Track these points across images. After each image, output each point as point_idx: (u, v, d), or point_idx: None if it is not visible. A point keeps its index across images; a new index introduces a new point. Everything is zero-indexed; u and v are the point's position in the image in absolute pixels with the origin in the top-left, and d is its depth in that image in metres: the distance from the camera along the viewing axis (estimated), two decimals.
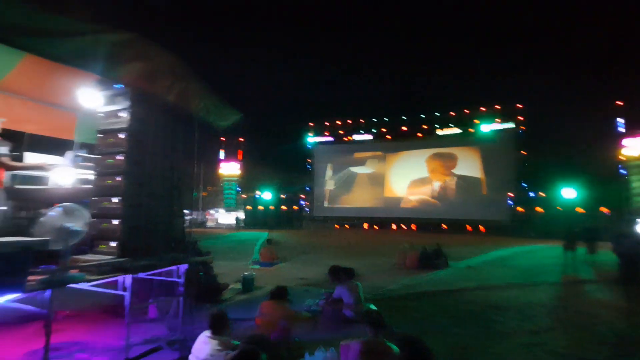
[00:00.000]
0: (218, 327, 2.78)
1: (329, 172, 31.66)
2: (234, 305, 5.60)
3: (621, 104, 21.02)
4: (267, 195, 32.16)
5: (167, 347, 3.75)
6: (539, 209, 22.54)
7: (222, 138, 35.39)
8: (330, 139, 32.47)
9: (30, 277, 2.61)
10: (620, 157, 20.48)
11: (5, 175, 4.06)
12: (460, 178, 26.98)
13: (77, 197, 3.69)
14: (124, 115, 3.64)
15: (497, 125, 26.47)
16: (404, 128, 30.52)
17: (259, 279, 7.23)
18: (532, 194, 23.80)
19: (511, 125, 25.71)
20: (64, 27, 2.91)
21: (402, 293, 6.79)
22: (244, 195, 36.33)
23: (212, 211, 36.05)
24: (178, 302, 4.02)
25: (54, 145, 5.10)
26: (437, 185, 27.65)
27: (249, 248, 13.18)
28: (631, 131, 20.10)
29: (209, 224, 32.99)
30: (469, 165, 26.98)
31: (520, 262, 11.40)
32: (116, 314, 4.80)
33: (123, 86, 3.68)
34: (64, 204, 3.03)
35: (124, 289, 3.40)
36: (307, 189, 32.58)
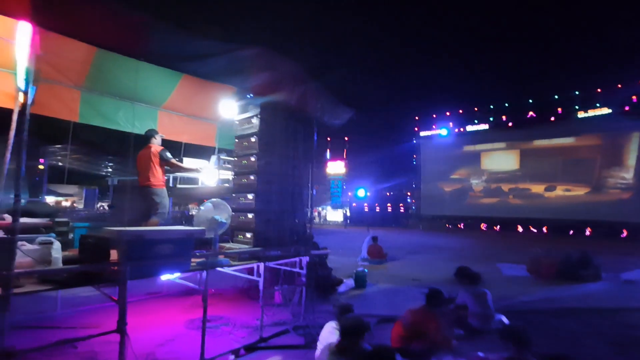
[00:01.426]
0: None
1: (436, 168, 29.65)
2: (348, 300, 5.74)
3: None
4: (371, 192, 32.15)
5: (293, 332, 4.08)
6: None
7: (327, 138, 36.93)
8: (440, 132, 30.29)
9: (192, 260, 3.17)
10: None
11: (168, 177, 5.07)
12: (612, 170, 21.69)
13: (220, 194, 4.34)
14: (255, 121, 4.09)
15: None
16: (532, 113, 26.16)
17: (370, 276, 7.24)
18: None
19: None
20: (209, 49, 3.43)
21: (540, 307, 5.82)
22: (349, 193, 37.19)
23: (319, 208, 38.07)
24: (301, 291, 4.34)
25: (202, 152, 6.14)
26: (580, 178, 22.82)
27: (356, 245, 13.42)
28: None
29: (316, 220, 34.95)
30: (624, 153, 21.47)
31: None
32: (248, 295, 5.50)
33: (253, 95, 4.15)
34: (213, 199, 3.59)
35: (258, 275, 3.84)
36: (414, 186, 31.22)
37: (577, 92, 23.97)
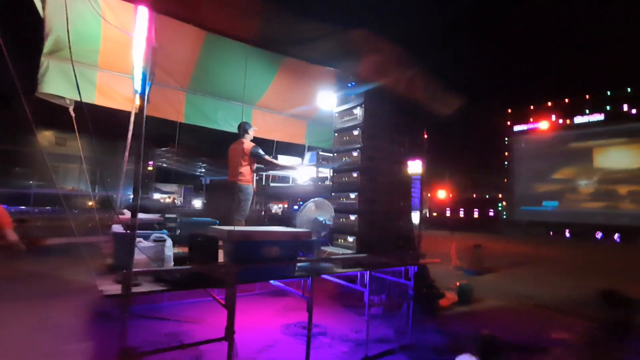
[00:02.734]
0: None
1: (534, 167, 25.97)
2: (454, 317, 4.97)
3: None
4: (454, 194, 29.66)
5: (400, 352, 3.55)
6: None
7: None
8: (538, 126, 26.44)
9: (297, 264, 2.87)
10: None
11: (260, 176, 4.96)
12: None
13: (315, 193, 4.03)
14: (358, 111, 3.67)
15: None
16: None
17: None
18: None
19: None
20: (313, 31, 3.11)
21: None
22: (428, 194, 34.99)
23: None
24: (408, 305, 3.78)
25: (292, 150, 6.00)
26: None
27: (440, 250, 12.21)
28: None
29: None
30: None
31: None
32: (340, 302, 5.13)
33: (355, 84, 3.74)
34: (315, 198, 3.28)
35: (363, 285, 3.41)
36: (506, 187, 27.85)
37: None
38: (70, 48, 2.66)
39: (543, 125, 25.74)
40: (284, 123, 5.75)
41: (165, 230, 3.02)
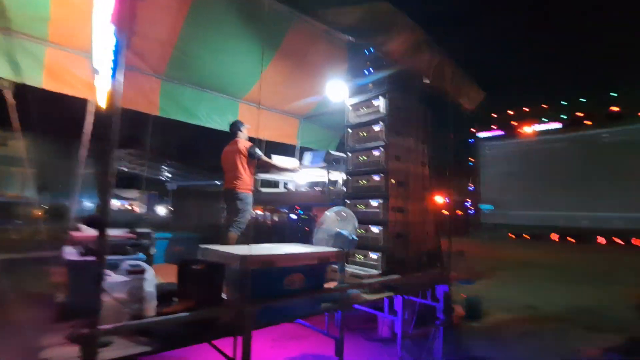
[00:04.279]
0: None
1: (498, 171, 27.02)
2: (478, 338, 4.42)
3: None
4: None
5: None
6: None
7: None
8: (499, 132, 27.68)
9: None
10: None
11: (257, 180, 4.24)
12: None
13: (321, 200, 3.38)
14: (380, 102, 3.09)
15: None
16: (615, 108, 22.87)
17: None
18: None
19: None
20: None
21: None
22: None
23: None
24: (436, 332, 3.22)
25: (281, 151, 5.31)
26: None
27: None
28: None
29: None
30: None
31: None
32: (348, 327, 4.46)
33: (374, 70, 3.16)
34: (335, 207, 2.63)
35: (393, 312, 2.79)
36: (471, 189, 28.70)
37: None
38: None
39: (502, 131, 26.95)
40: (275, 120, 5.05)
41: (141, 254, 2.23)
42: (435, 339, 3.18)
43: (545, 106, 25.90)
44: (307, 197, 3.76)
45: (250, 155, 3.75)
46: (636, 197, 20.34)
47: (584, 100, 24.40)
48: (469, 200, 29.02)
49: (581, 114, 24.20)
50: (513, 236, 25.23)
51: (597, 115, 23.40)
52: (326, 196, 3.32)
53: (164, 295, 1.90)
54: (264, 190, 4.47)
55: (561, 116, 25.15)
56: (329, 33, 2.83)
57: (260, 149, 4.16)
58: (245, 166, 3.77)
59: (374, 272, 2.80)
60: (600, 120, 23.23)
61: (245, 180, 3.75)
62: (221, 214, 3.81)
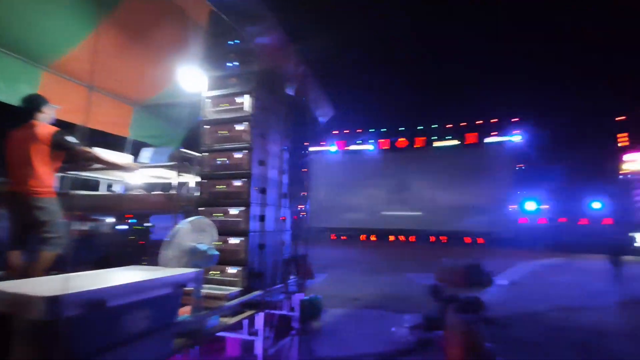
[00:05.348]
0: None
1: (324, 181, 30.99)
2: (315, 338, 4.66)
3: (623, 118, 21.61)
4: None
5: None
6: (542, 220, 22.61)
7: None
8: (326, 147, 31.99)
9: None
10: (622, 170, 20.92)
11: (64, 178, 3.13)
12: (460, 189, 26.91)
13: (172, 207, 2.80)
14: (244, 100, 2.81)
15: (495, 138, 26.71)
16: (403, 139, 30.38)
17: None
18: (533, 206, 23.91)
19: (509, 138, 26.02)
20: None
21: (484, 317, 6.07)
22: None
23: None
24: (292, 342, 3.14)
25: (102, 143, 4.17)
26: (433, 197, 27.43)
27: None
28: (634, 146, 20.63)
29: None
30: (467, 176, 26.99)
31: (560, 278, 10.98)
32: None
33: (240, 64, 2.87)
34: (192, 217, 2.16)
35: (252, 332, 2.52)
36: (306, 197, 31.60)
37: (435, 126, 29.15)
38: None
39: (332, 148, 31.17)
40: (99, 103, 3.91)
41: None
42: (290, 349, 3.10)
43: (359, 130, 31.70)
44: (145, 203, 3.00)
45: (56, 145, 2.69)
46: (414, 202, 27.51)
47: (385, 130, 31.26)
48: (303, 207, 31.76)
49: (382, 140, 30.86)
50: (334, 237, 29.39)
51: (390, 141, 30.37)
52: (174, 202, 2.73)
53: None
54: (75, 193, 3.33)
55: (370, 140, 31.42)
56: (184, 14, 2.39)
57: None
58: (47, 160, 2.67)
59: (234, 289, 2.46)
60: (393, 144, 30.22)
61: (44, 180, 2.65)
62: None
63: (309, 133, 3.52)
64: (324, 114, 3.85)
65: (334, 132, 31.90)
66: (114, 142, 4.13)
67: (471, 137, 27.30)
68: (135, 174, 3.19)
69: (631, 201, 20.01)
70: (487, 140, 26.77)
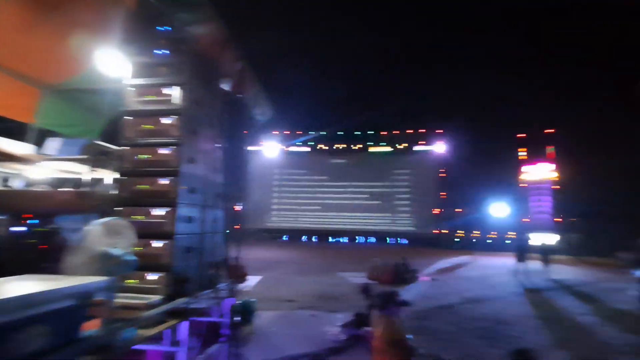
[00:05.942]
0: None
1: (262, 181, 30.51)
2: (248, 343, 4.49)
3: (523, 135, 25.22)
4: None
5: None
6: (458, 224, 25.22)
7: None
8: (266, 148, 31.55)
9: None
10: (521, 180, 24.35)
11: None
12: (389, 194, 28.74)
13: (83, 206, 2.47)
14: (174, 92, 2.61)
15: (422, 147, 29.11)
16: (341, 143, 31.40)
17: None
18: (453, 210, 26.51)
19: (434, 147, 28.58)
20: None
21: (407, 312, 6.52)
22: None
23: None
24: (221, 350, 2.98)
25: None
26: (367, 200, 28.90)
27: None
28: (530, 159, 24.21)
29: None
30: (397, 181, 28.98)
31: (471, 273, 12.33)
32: None
33: (171, 52, 2.66)
34: (107, 218, 1.92)
35: (175, 343, 2.34)
36: (243, 197, 30.78)
37: (370, 132, 30.75)
38: None
39: (270, 147, 30.76)
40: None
41: None
42: (219, 358, 2.95)
43: (299, 132, 31.93)
44: (49, 201, 2.58)
45: None
46: (350, 204, 28.62)
47: (325, 133, 31.95)
48: (240, 207, 30.84)
49: (321, 143, 31.49)
50: (272, 238, 29.10)
51: (329, 144, 31.14)
52: (86, 201, 2.40)
53: None
54: None
55: (310, 143, 31.81)
56: None
57: None
58: None
59: (154, 298, 2.25)
60: (331, 148, 31.03)
61: None
62: None
63: (247, 132, 3.40)
64: (262, 113, 3.77)
65: (274, 132, 31.66)
66: (15, 130, 3.52)
67: (402, 145, 29.42)
68: (37, 167, 2.74)
69: (528, 206, 23.44)
70: (416, 148, 29.12)
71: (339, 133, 31.61)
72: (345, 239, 28.25)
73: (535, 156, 23.80)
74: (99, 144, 2.54)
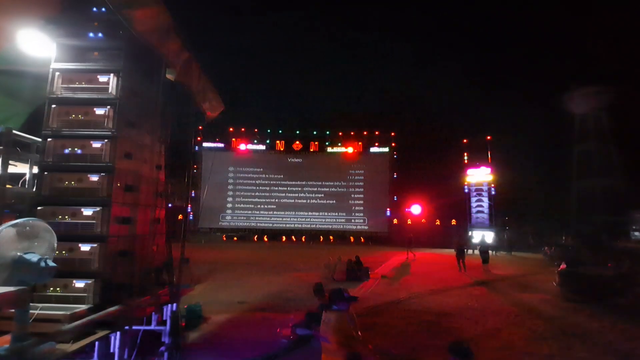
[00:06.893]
0: None
1: (217, 179, 29.47)
2: (194, 350, 4.26)
3: (465, 141, 27.22)
4: None
5: None
6: (408, 222, 26.44)
7: None
8: (220, 145, 30.52)
9: None
10: (465, 182, 26.23)
11: None
12: (345, 194, 29.30)
13: None
14: (108, 80, 2.37)
15: (377, 149, 30.06)
16: (298, 142, 31.35)
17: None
18: (404, 210, 27.70)
19: (387, 149, 29.66)
20: None
21: (358, 309, 6.66)
22: None
23: None
24: (160, 359, 2.77)
25: None
26: (323, 200, 29.22)
27: None
28: (472, 163, 26.20)
29: None
30: (352, 181, 29.63)
31: (418, 269, 12.95)
32: None
33: (105, 36, 2.41)
34: (20, 220, 1.67)
35: (107, 356, 2.11)
36: (193, 196, 29.45)
37: (327, 132, 31.13)
38: None
39: (222, 144, 29.82)
40: None
41: None
42: None
43: (256, 130, 31.34)
44: None
45: None
46: (306, 204, 28.68)
47: (281, 132, 31.73)
48: (190, 206, 29.43)
49: (278, 141, 31.18)
50: (225, 238, 28.18)
51: (286, 143, 30.92)
52: None
53: None
54: None
55: (267, 141, 31.34)
56: None
57: None
58: None
59: (80, 307, 2.02)
60: (288, 147, 30.87)
61: None
62: None
63: (195, 127, 3.21)
64: (212, 108, 3.58)
65: (229, 129, 30.67)
66: None
67: (358, 146, 30.09)
68: None
69: (470, 206, 25.33)
70: (372, 150, 29.98)
71: (296, 132, 31.57)
72: (300, 238, 28.24)
73: (477, 160, 25.83)
74: (16, 134, 2.21)
